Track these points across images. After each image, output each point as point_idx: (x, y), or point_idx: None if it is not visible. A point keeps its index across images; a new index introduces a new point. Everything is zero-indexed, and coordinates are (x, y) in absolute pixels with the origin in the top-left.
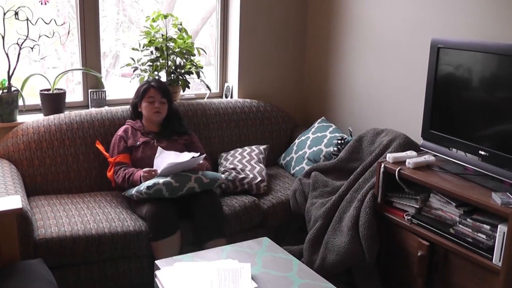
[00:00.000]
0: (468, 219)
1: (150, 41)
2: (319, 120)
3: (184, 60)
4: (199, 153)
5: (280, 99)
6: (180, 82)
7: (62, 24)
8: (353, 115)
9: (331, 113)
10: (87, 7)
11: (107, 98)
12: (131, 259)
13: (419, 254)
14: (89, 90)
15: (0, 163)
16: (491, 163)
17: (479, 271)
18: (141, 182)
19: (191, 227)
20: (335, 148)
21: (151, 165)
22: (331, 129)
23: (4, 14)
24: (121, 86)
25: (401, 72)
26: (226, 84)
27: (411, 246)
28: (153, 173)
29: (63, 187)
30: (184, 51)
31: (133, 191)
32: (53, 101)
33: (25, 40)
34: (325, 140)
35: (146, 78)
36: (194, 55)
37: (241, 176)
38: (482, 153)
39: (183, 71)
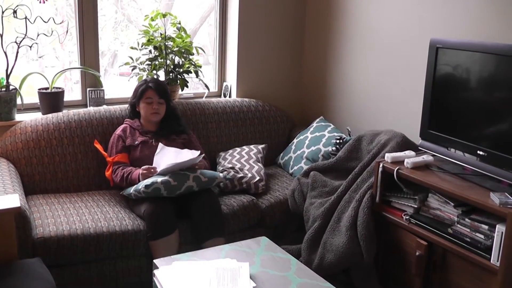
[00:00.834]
0: (466, 219)
1: (148, 40)
2: (317, 120)
3: (183, 59)
4: (199, 152)
5: (279, 98)
6: (178, 81)
7: (60, 23)
8: (351, 115)
9: (330, 112)
10: (85, 5)
11: (105, 97)
12: (129, 258)
13: (417, 253)
14: (88, 89)
15: None
16: (490, 163)
17: (477, 271)
18: (139, 180)
19: (189, 226)
20: (334, 148)
21: (149, 164)
22: (329, 128)
23: (3, 12)
24: (119, 85)
25: (400, 72)
26: (224, 84)
27: (409, 245)
28: (152, 170)
29: (61, 186)
30: (183, 50)
31: (131, 190)
32: (52, 99)
33: (23, 38)
34: (324, 140)
35: (144, 77)
36: (192, 54)
37: (239, 175)
38: (481, 153)
39: (181, 70)
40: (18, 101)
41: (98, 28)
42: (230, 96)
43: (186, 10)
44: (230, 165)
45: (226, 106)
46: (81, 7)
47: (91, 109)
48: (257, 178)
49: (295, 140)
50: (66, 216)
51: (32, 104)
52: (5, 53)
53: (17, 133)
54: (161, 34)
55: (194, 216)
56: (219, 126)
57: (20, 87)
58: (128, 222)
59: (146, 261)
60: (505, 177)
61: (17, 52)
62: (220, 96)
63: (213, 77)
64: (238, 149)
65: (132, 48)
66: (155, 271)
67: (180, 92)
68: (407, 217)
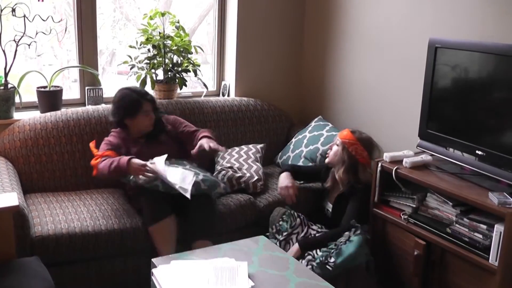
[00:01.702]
0: (465, 219)
1: (147, 39)
2: (316, 119)
3: (181, 58)
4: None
5: (277, 97)
6: (177, 80)
7: (59, 21)
8: (350, 114)
9: (328, 112)
10: (84, 4)
11: (103, 96)
12: (127, 257)
13: (415, 253)
14: (86, 88)
15: None
16: (488, 163)
17: (475, 271)
18: (127, 169)
19: (183, 226)
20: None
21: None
22: (327, 128)
23: (1, 10)
24: (117, 83)
25: (399, 71)
26: (223, 83)
27: (408, 245)
28: (143, 168)
29: (60, 184)
30: (182, 49)
31: (131, 177)
32: (50, 98)
33: (22, 37)
34: (322, 139)
35: (143, 76)
36: (191, 53)
37: (238, 174)
38: (479, 153)
39: (180, 69)
40: (17, 100)
41: (96, 27)
42: (228, 95)
43: (185, 8)
44: (228, 165)
45: (224, 105)
46: (79, 5)
47: (90, 107)
48: (256, 177)
49: (293, 140)
50: (65, 215)
51: (31, 102)
52: (3, 51)
53: (16, 132)
54: (159, 33)
55: (189, 215)
56: (218, 125)
57: (18, 85)
58: (126, 220)
59: (145, 260)
60: (504, 177)
61: (16, 51)
62: (218, 95)
63: (211, 76)
64: (237, 149)
65: (130, 46)
66: (154, 270)
67: (178, 91)
68: (406, 217)
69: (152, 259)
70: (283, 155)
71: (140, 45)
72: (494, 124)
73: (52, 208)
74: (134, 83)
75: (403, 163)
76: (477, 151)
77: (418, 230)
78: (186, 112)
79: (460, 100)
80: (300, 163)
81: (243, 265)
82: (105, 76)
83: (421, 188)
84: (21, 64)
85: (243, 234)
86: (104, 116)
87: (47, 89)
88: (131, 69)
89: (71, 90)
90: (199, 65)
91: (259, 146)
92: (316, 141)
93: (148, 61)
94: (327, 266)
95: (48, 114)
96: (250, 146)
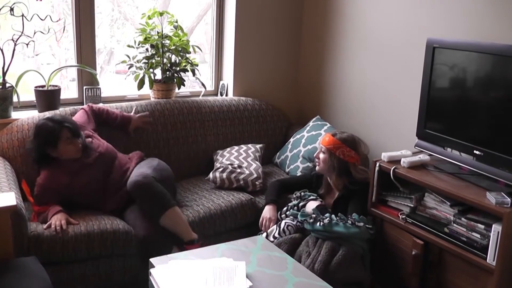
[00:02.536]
0: (463, 218)
1: (145, 39)
2: (314, 119)
3: (180, 58)
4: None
5: (275, 97)
6: (175, 79)
7: (57, 21)
8: (348, 114)
9: (326, 112)
10: (82, 3)
11: (101, 95)
12: (125, 257)
13: (413, 253)
14: (84, 87)
15: None
16: (486, 162)
17: (473, 270)
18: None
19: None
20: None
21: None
22: (326, 127)
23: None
24: (115, 83)
25: (396, 71)
26: (221, 82)
27: (406, 245)
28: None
29: None
30: (180, 49)
31: None
32: (48, 97)
33: (20, 36)
34: (320, 139)
35: (141, 76)
36: (189, 52)
37: (238, 171)
38: (477, 152)
39: (178, 68)
40: (15, 99)
41: (95, 26)
42: (226, 95)
43: (183, 8)
44: (228, 162)
45: (222, 104)
46: (77, 5)
47: None
48: (255, 175)
49: (291, 139)
50: None
51: (29, 102)
52: (1, 50)
53: (14, 131)
54: (158, 33)
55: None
56: (216, 124)
57: (16, 84)
58: (119, 222)
59: (143, 260)
60: (502, 176)
61: (14, 50)
62: (216, 94)
63: (209, 76)
64: (236, 147)
65: (129, 46)
66: (151, 270)
67: (176, 90)
68: (404, 217)
69: (150, 259)
70: (281, 155)
71: (138, 44)
72: (491, 124)
73: None
74: (132, 82)
75: (401, 162)
76: (475, 151)
77: (416, 229)
78: (184, 112)
79: (458, 100)
80: (288, 170)
81: (241, 265)
82: (103, 75)
83: (419, 187)
84: (19, 63)
85: (242, 233)
86: None
87: (45, 88)
88: (129, 68)
89: (69, 90)
90: (197, 65)
91: (258, 146)
92: (314, 141)
93: (146, 61)
94: (319, 222)
95: (46, 113)
96: (249, 145)
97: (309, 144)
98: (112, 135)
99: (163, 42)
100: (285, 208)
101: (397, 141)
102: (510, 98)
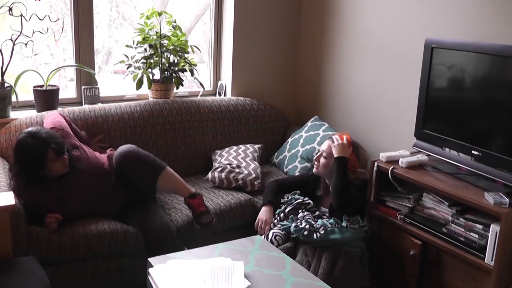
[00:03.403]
0: (461, 219)
1: (144, 38)
2: (312, 119)
3: (178, 58)
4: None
5: (274, 97)
6: (173, 79)
7: (56, 21)
8: (346, 114)
9: (324, 112)
10: (80, 3)
11: (100, 95)
12: (123, 257)
13: (411, 253)
14: (83, 87)
15: None
16: (484, 163)
17: (471, 270)
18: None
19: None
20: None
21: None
22: (324, 127)
23: None
24: (113, 82)
25: (395, 71)
26: (219, 82)
27: (404, 245)
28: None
29: None
30: (178, 49)
31: None
32: (47, 97)
33: (18, 36)
34: (318, 139)
35: (139, 76)
36: (188, 52)
37: (236, 171)
38: (475, 153)
39: (176, 68)
40: (13, 99)
41: (93, 26)
42: (225, 95)
43: (181, 8)
44: (226, 162)
45: (221, 104)
46: (76, 5)
47: (86, 107)
48: (253, 175)
49: (289, 139)
50: None
51: (27, 101)
52: (0, 50)
53: (12, 131)
54: (156, 33)
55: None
56: (214, 124)
57: (15, 84)
58: (116, 222)
59: (141, 259)
60: (500, 177)
61: (12, 50)
62: (215, 94)
63: (208, 76)
64: (235, 147)
65: (127, 46)
66: (150, 270)
67: (175, 90)
68: (402, 217)
69: (148, 259)
70: (280, 155)
71: (137, 44)
72: (489, 124)
73: None
74: (130, 82)
75: (399, 163)
76: (473, 151)
77: (414, 230)
78: (183, 112)
79: (456, 100)
80: (287, 170)
81: (239, 265)
82: (101, 75)
83: (417, 188)
84: (17, 63)
85: (241, 233)
86: (101, 116)
87: (44, 88)
88: (127, 68)
89: (68, 89)
90: (195, 65)
91: (256, 146)
92: (312, 141)
93: (145, 61)
94: (315, 234)
95: (44, 113)
96: (248, 145)
97: (307, 144)
98: (109, 136)
99: (162, 42)
100: (276, 212)
101: (395, 141)
102: (508, 98)
